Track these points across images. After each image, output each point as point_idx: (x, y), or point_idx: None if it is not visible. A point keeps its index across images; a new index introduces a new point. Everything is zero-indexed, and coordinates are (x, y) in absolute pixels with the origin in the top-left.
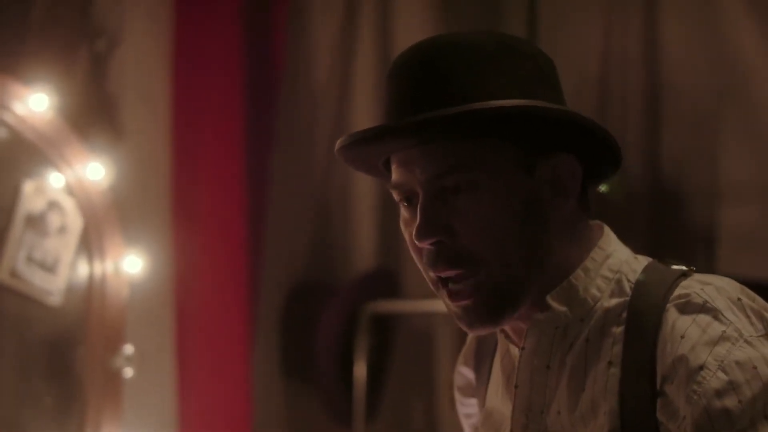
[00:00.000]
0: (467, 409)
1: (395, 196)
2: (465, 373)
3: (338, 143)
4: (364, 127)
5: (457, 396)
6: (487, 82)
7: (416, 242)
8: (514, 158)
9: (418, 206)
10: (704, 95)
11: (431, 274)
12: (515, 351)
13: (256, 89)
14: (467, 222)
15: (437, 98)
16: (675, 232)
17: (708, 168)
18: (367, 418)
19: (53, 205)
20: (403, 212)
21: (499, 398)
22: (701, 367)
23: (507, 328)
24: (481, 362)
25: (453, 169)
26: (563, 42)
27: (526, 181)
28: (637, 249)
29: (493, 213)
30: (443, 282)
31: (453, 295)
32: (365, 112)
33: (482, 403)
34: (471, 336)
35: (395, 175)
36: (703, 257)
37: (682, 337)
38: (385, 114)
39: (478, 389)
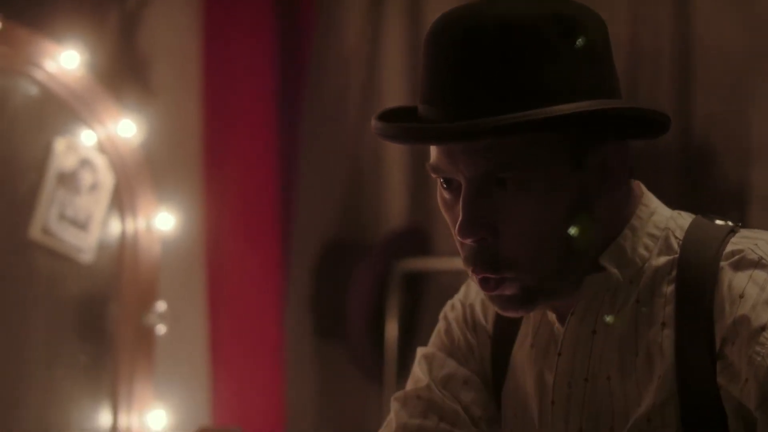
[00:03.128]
0: (440, 362)
1: (433, 175)
2: (479, 319)
3: (375, 127)
4: (394, 91)
5: (442, 337)
6: (543, 75)
7: (457, 238)
8: (565, 153)
9: (461, 200)
10: (736, 55)
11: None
12: (553, 317)
13: (287, 48)
14: (511, 223)
15: (488, 95)
16: (707, 193)
17: (740, 128)
18: (398, 377)
19: (85, 162)
20: (442, 191)
21: (524, 373)
22: (763, 328)
23: None
24: (502, 326)
25: (500, 167)
26: (592, 4)
27: (576, 175)
28: (670, 207)
29: (538, 213)
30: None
31: (484, 286)
32: (396, 73)
33: (474, 368)
34: None
35: (436, 160)
36: (736, 217)
37: (741, 296)
38: (426, 97)
39: (481, 351)
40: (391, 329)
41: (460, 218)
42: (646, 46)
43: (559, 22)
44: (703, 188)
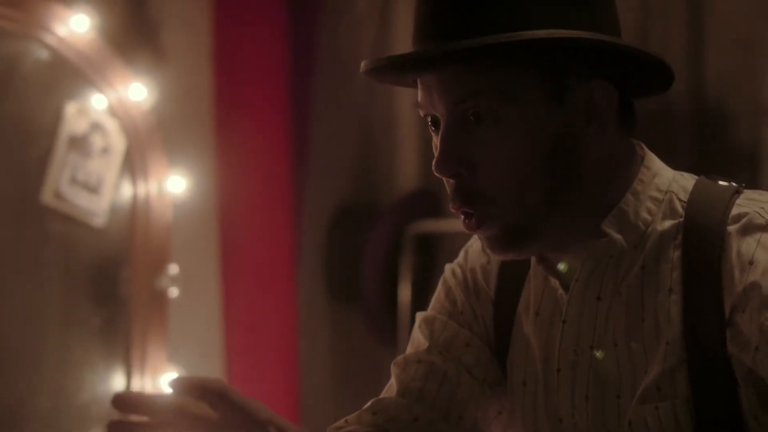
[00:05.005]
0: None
1: (421, 113)
2: (481, 284)
3: (362, 67)
4: (404, 48)
5: (443, 301)
6: (518, 5)
7: (435, 173)
8: (541, 87)
9: (439, 136)
10: (748, 12)
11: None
12: (557, 284)
13: (298, 11)
14: (487, 157)
15: (458, 25)
16: (719, 151)
17: (752, 86)
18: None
19: (96, 126)
20: (432, 136)
21: (530, 340)
22: None
23: (551, 260)
24: (504, 291)
25: (471, 96)
26: None
27: (556, 111)
28: (682, 168)
29: (515, 148)
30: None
31: (467, 226)
32: (407, 33)
33: (478, 332)
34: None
35: (419, 95)
36: (748, 175)
37: (751, 263)
38: (411, 38)
39: (484, 316)
40: (404, 291)
41: (436, 153)
42: (658, 6)
43: None
44: (715, 147)
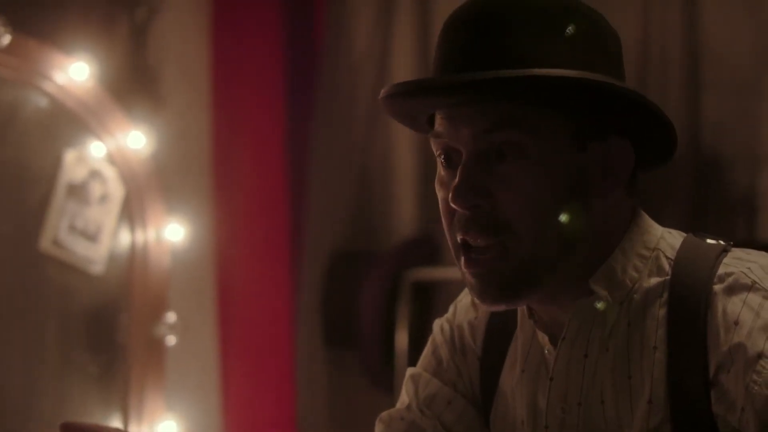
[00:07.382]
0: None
1: (435, 148)
2: (468, 341)
3: (382, 92)
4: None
5: (429, 358)
6: (546, 47)
7: (452, 204)
8: (567, 131)
9: (460, 165)
10: (745, 60)
11: (458, 237)
12: (545, 339)
13: (295, 58)
14: (509, 191)
15: (490, 57)
16: (716, 198)
17: (749, 133)
18: None
19: (95, 174)
20: (440, 170)
21: (515, 397)
22: (760, 355)
23: (538, 313)
24: (491, 348)
25: (500, 125)
26: (603, 10)
27: (577, 157)
28: (679, 215)
29: (537, 184)
30: (465, 248)
31: (471, 263)
32: (406, 76)
33: (463, 390)
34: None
35: (439, 126)
36: (744, 223)
37: (736, 323)
38: (436, 67)
39: (470, 373)
40: (402, 338)
41: (455, 182)
42: (655, 52)
43: (577, 13)
44: (712, 194)
